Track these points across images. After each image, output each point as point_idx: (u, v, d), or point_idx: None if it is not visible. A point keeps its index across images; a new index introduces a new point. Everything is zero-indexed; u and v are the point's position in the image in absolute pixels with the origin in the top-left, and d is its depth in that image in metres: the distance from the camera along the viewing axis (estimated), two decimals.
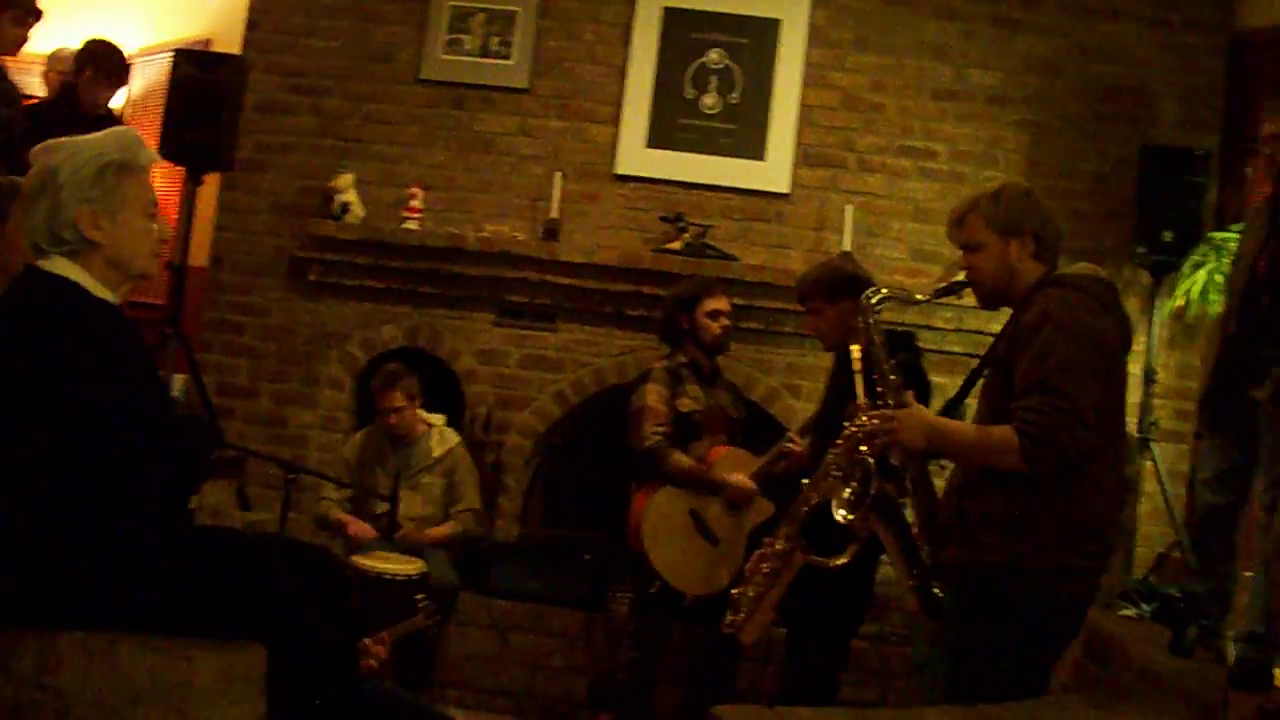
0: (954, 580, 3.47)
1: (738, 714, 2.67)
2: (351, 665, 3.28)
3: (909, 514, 3.72)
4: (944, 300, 4.29)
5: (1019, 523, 3.25)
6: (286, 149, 7.01)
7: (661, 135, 6.91)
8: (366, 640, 3.91)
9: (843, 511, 3.61)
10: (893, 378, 3.69)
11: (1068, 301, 3.29)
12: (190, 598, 2.92)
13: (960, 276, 3.64)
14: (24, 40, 5.54)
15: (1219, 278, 6.04)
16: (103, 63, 6.15)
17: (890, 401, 3.63)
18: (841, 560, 3.89)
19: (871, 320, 3.80)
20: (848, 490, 3.63)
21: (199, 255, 6.90)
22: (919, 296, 4.16)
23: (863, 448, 3.69)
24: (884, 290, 3.96)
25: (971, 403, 3.72)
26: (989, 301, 3.59)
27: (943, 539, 3.50)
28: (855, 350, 3.84)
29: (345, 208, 6.76)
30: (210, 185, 6.78)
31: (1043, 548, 3.23)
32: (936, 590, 3.57)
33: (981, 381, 3.60)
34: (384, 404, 6.04)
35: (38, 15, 5.50)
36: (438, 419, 6.21)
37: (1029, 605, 3.27)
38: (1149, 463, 6.19)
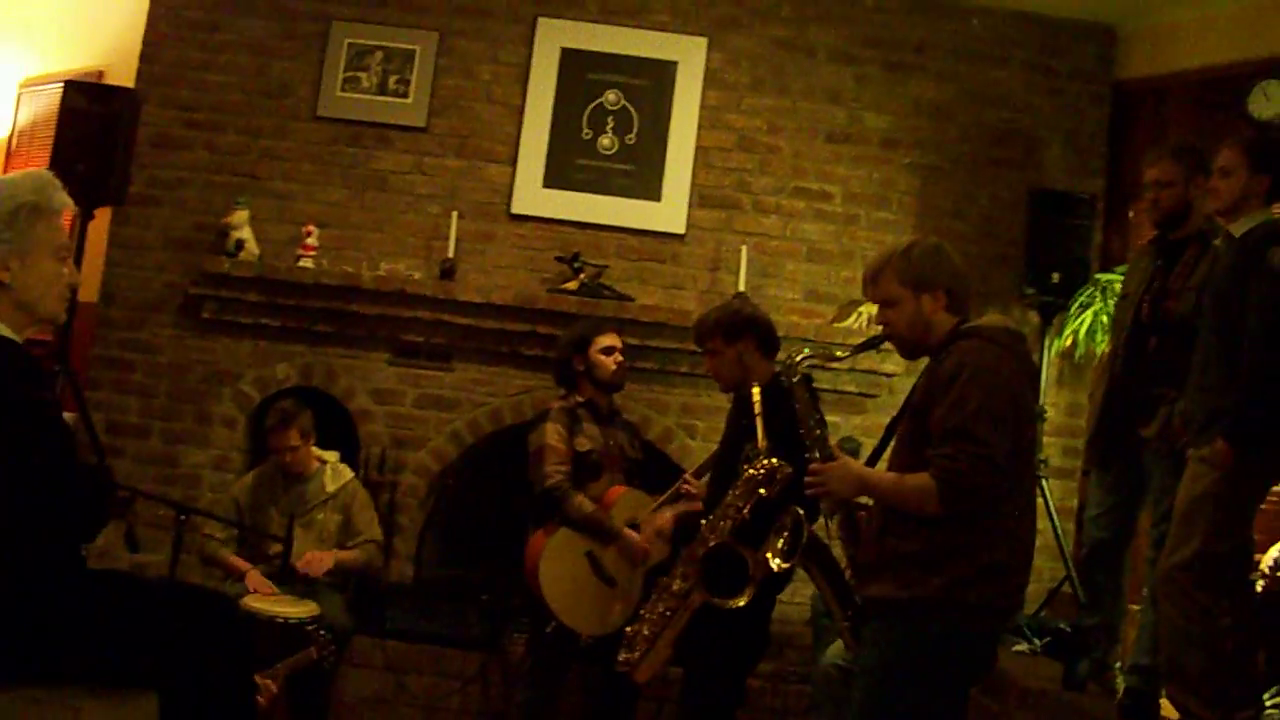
0: (876, 615, 3.56)
1: None
2: (245, 708, 3.23)
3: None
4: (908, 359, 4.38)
5: (934, 561, 3.37)
6: (180, 184, 6.92)
7: (558, 175, 6.94)
8: (257, 676, 3.86)
9: (778, 560, 3.71)
10: (818, 432, 3.81)
11: (981, 352, 3.43)
12: (81, 645, 2.85)
13: (877, 331, 3.76)
14: None
15: (1105, 318, 6.18)
16: None
17: (819, 454, 3.74)
18: (740, 601, 3.94)
19: (796, 379, 3.89)
20: (780, 540, 3.73)
21: (88, 291, 6.77)
22: (840, 354, 4.30)
23: (763, 490, 3.78)
24: (807, 350, 4.07)
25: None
26: (909, 352, 3.73)
27: (866, 578, 3.59)
28: (755, 392, 3.91)
29: (240, 245, 6.68)
30: (101, 220, 6.67)
31: (955, 584, 3.34)
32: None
33: (899, 430, 3.68)
34: (278, 443, 5.95)
35: None
36: (331, 455, 6.13)
37: (941, 638, 3.39)
38: (1039, 499, 6.27)
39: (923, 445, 3.42)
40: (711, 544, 4.04)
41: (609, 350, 5.71)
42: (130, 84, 6.87)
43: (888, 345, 3.81)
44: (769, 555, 3.77)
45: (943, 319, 3.57)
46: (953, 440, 3.32)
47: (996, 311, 6.62)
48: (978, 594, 3.35)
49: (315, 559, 5.80)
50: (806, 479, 3.68)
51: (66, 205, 3.13)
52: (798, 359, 3.95)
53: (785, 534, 3.73)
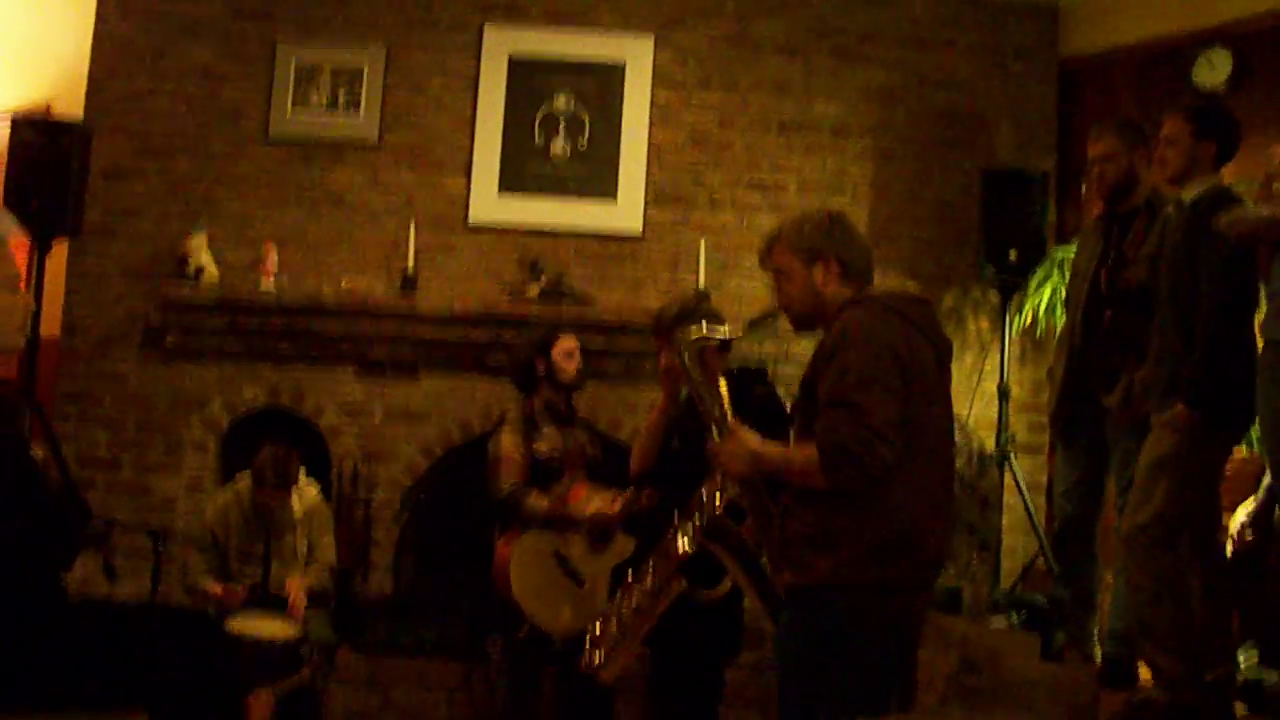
0: (785, 601, 3.47)
1: None
2: None
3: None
4: (802, 333, 4.31)
5: (830, 539, 3.26)
6: (136, 213, 6.91)
7: (513, 182, 6.96)
8: (249, 699, 3.89)
9: (685, 540, 3.66)
10: (717, 411, 3.65)
11: (864, 319, 3.32)
12: (69, 671, 2.87)
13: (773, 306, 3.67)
14: None
15: (1063, 292, 6.22)
16: None
17: (718, 434, 3.60)
18: (720, 592, 3.95)
19: (687, 356, 3.81)
20: (690, 526, 3.68)
21: (50, 325, 6.74)
22: (724, 330, 4.15)
23: (718, 492, 3.75)
24: (697, 329, 3.99)
25: None
26: (800, 325, 3.58)
27: (773, 564, 3.50)
28: (722, 384, 3.85)
29: (199, 270, 6.67)
30: (59, 253, 6.65)
31: (852, 562, 3.22)
32: None
33: (796, 405, 3.60)
34: (270, 499, 5.91)
35: None
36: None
37: (843, 620, 3.27)
38: (1009, 476, 6.32)
39: (814, 418, 3.29)
40: (678, 555, 4.00)
41: (569, 353, 5.74)
42: (79, 115, 6.86)
43: None
44: (681, 536, 3.71)
45: (836, 290, 3.43)
46: (833, 410, 3.20)
47: (955, 291, 6.72)
48: (874, 573, 3.23)
49: (296, 599, 5.78)
50: (709, 459, 3.57)
51: (12, 232, 3.12)
52: (692, 338, 3.88)
53: (697, 516, 3.65)
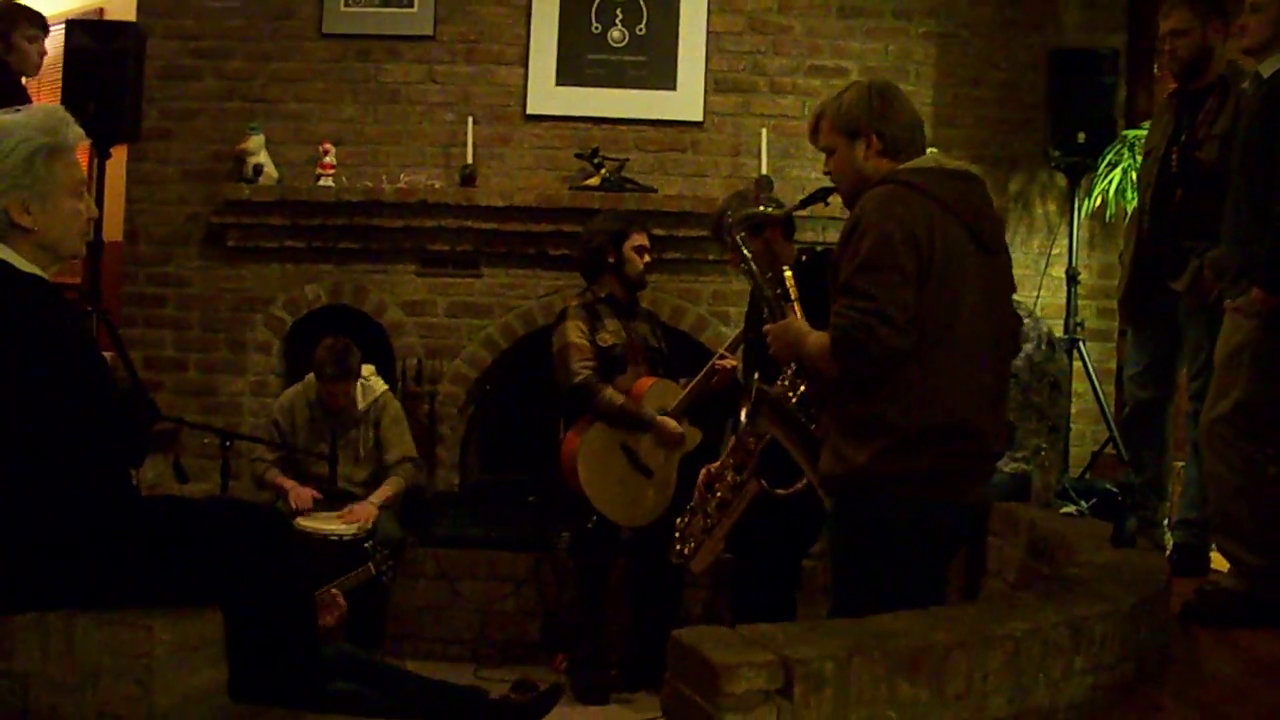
0: (827, 492, 3.47)
1: (700, 635, 2.67)
2: (309, 624, 3.28)
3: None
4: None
5: (862, 429, 3.22)
6: (193, 115, 6.90)
7: (571, 72, 6.87)
8: (321, 594, 3.94)
9: (744, 419, 3.75)
10: (771, 292, 3.65)
11: (883, 199, 3.22)
12: (142, 568, 2.90)
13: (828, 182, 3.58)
14: (43, 55, 5.61)
15: (1134, 175, 6.09)
16: (28, 14, 5.71)
17: (773, 316, 3.60)
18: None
19: (740, 237, 3.77)
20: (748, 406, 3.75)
21: (113, 230, 6.79)
22: (771, 210, 4.13)
23: (786, 371, 3.73)
24: (745, 210, 3.94)
25: None
26: (849, 203, 3.45)
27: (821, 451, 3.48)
28: (788, 275, 3.80)
29: (258, 170, 6.67)
30: (118, 157, 6.67)
31: (880, 455, 3.19)
32: None
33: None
34: (335, 391, 5.94)
35: (45, 29, 5.55)
36: (366, 369, 6.14)
37: (882, 511, 3.25)
38: (1078, 362, 6.25)
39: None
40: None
41: (641, 249, 5.73)
42: (131, 18, 6.83)
43: None
44: (742, 413, 3.75)
45: (877, 165, 3.33)
46: (842, 295, 3.14)
47: (1021, 176, 6.59)
48: (910, 463, 3.18)
49: (363, 512, 5.82)
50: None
51: (80, 139, 3.11)
52: (735, 219, 3.82)
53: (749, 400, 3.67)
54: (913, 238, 3.14)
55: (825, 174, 3.53)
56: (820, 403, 3.52)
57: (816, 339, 3.29)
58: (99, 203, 6.32)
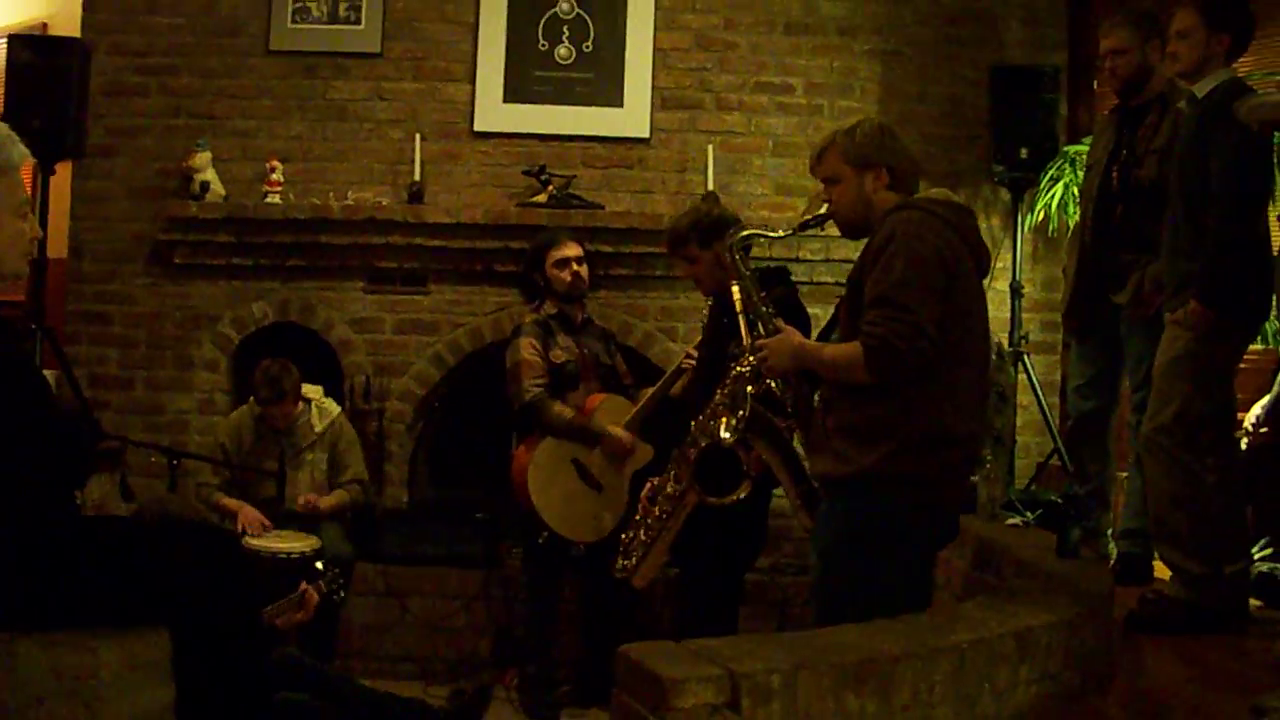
0: (824, 492, 3.63)
1: (647, 650, 2.69)
2: (255, 643, 3.27)
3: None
4: (809, 233, 4.38)
5: (869, 433, 3.38)
6: (139, 131, 6.85)
7: (518, 89, 6.87)
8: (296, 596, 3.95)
9: (727, 435, 3.79)
10: (765, 309, 3.83)
11: (911, 221, 3.41)
12: (86, 589, 2.87)
13: (822, 210, 3.73)
14: None
15: (1075, 190, 6.17)
16: None
17: (764, 331, 3.77)
18: (736, 498, 4.00)
19: (738, 257, 3.90)
20: (733, 419, 3.81)
21: (57, 247, 6.73)
22: (781, 232, 4.29)
23: (749, 388, 3.81)
24: (747, 229, 4.09)
25: None
26: (850, 232, 3.70)
27: (813, 455, 3.66)
28: (736, 291, 3.91)
29: (205, 187, 6.63)
30: (62, 174, 6.61)
31: (892, 455, 3.34)
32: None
33: (842, 304, 3.71)
34: (275, 413, 5.94)
35: None
36: (314, 391, 6.13)
37: (885, 513, 3.40)
38: (1022, 375, 6.31)
39: (859, 318, 3.41)
40: (704, 445, 4.07)
41: (563, 263, 5.72)
42: (76, 34, 6.77)
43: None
44: (722, 423, 3.84)
45: (885, 197, 3.54)
46: (878, 307, 3.32)
47: (965, 191, 6.65)
48: (915, 466, 3.36)
49: (309, 499, 5.84)
50: (753, 355, 3.73)
51: (25, 158, 3.08)
52: (738, 237, 3.97)
53: (740, 412, 3.80)
54: (940, 257, 3.37)
55: (825, 201, 3.69)
56: (805, 413, 3.69)
57: (837, 349, 3.51)
58: (43, 220, 6.30)
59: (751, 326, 3.85)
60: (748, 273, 3.91)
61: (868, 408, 3.39)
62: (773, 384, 3.80)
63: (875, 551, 3.42)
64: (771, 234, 4.32)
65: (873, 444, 3.37)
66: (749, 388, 3.84)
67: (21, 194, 3.06)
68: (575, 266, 5.74)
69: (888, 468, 3.35)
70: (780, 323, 3.77)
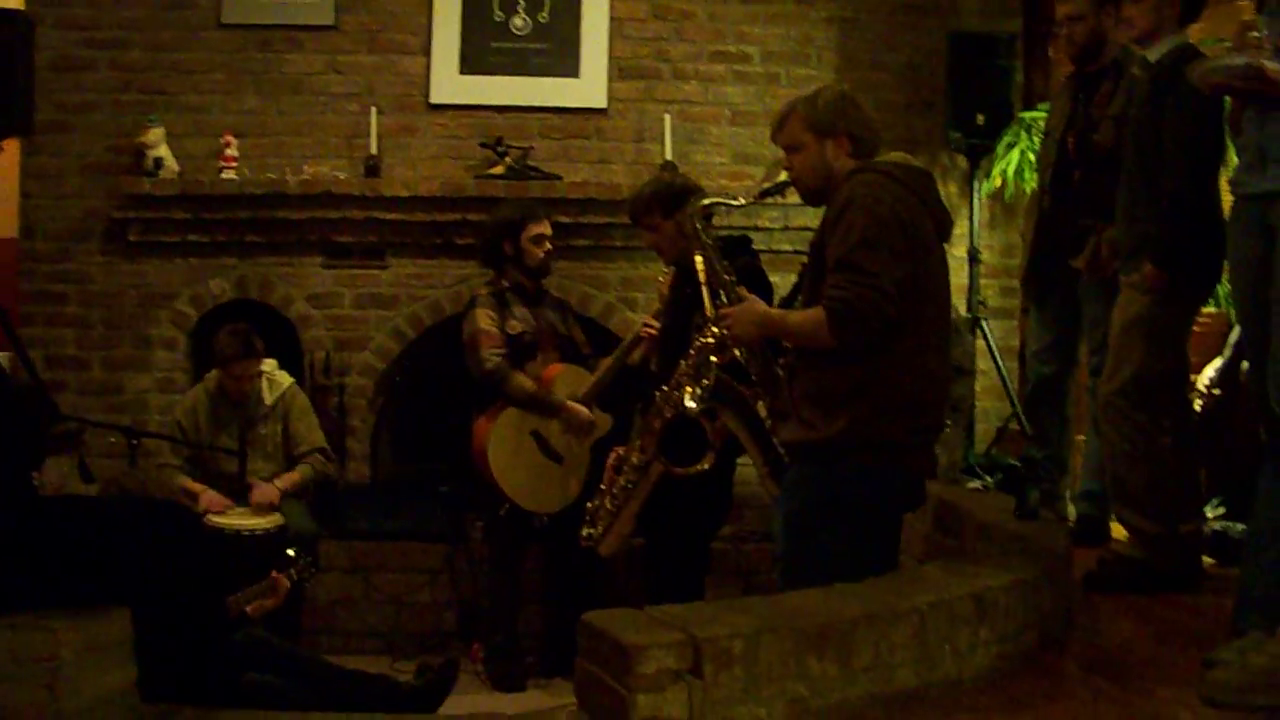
0: (791, 459, 3.65)
1: (609, 618, 2.72)
2: (219, 621, 3.26)
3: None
4: (769, 201, 4.38)
5: (835, 399, 3.39)
6: (89, 107, 6.75)
7: (474, 61, 6.84)
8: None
9: (692, 404, 3.85)
10: (728, 277, 3.84)
11: (869, 184, 3.43)
12: (47, 570, 2.86)
13: (783, 177, 3.75)
14: None
15: (1032, 156, 6.20)
16: None
17: (727, 299, 3.79)
18: (701, 467, 4.02)
19: (700, 225, 3.91)
20: (698, 388, 3.87)
21: (8, 226, 6.66)
22: (742, 200, 4.28)
23: (714, 357, 3.83)
24: (709, 198, 4.10)
25: None
26: (811, 199, 3.71)
27: (780, 423, 3.67)
28: (699, 260, 3.92)
29: (158, 163, 6.56)
30: (11, 151, 6.51)
31: (858, 421, 3.36)
32: None
33: (806, 270, 3.72)
34: (242, 372, 5.89)
35: None
36: (268, 364, 6.10)
37: (852, 478, 3.41)
38: (980, 341, 6.34)
39: (822, 282, 3.42)
40: (668, 415, 4.08)
41: (539, 239, 5.74)
42: (19, 6, 6.65)
43: None
44: (686, 392, 3.89)
45: (845, 164, 3.54)
46: (839, 271, 3.33)
47: (922, 158, 6.66)
48: (882, 431, 3.38)
49: (263, 494, 5.80)
50: (717, 324, 3.75)
51: None
52: (700, 205, 3.98)
53: (704, 381, 3.84)
54: (900, 221, 3.38)
55: (785, 169, 3.69)
56: (770, 381, 3.70)
57: (800, 315, 3.52)
58: None
59: (714, 295, 3.87)
60: (710, 242, 3.92)
61: (833, 374, 3.40)
62: (737, 352, 3.82)
63: (842, 518, 3.44)
64: (733, 202, 4.31)
65: (839, 410, 3.38)
66: (713, 357, 3.86)
67: None
68: (548, 244, 5.76)
69: (854, 434, 3.37)
70: (744, 291, 3.79)
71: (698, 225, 3.94)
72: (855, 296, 3.28)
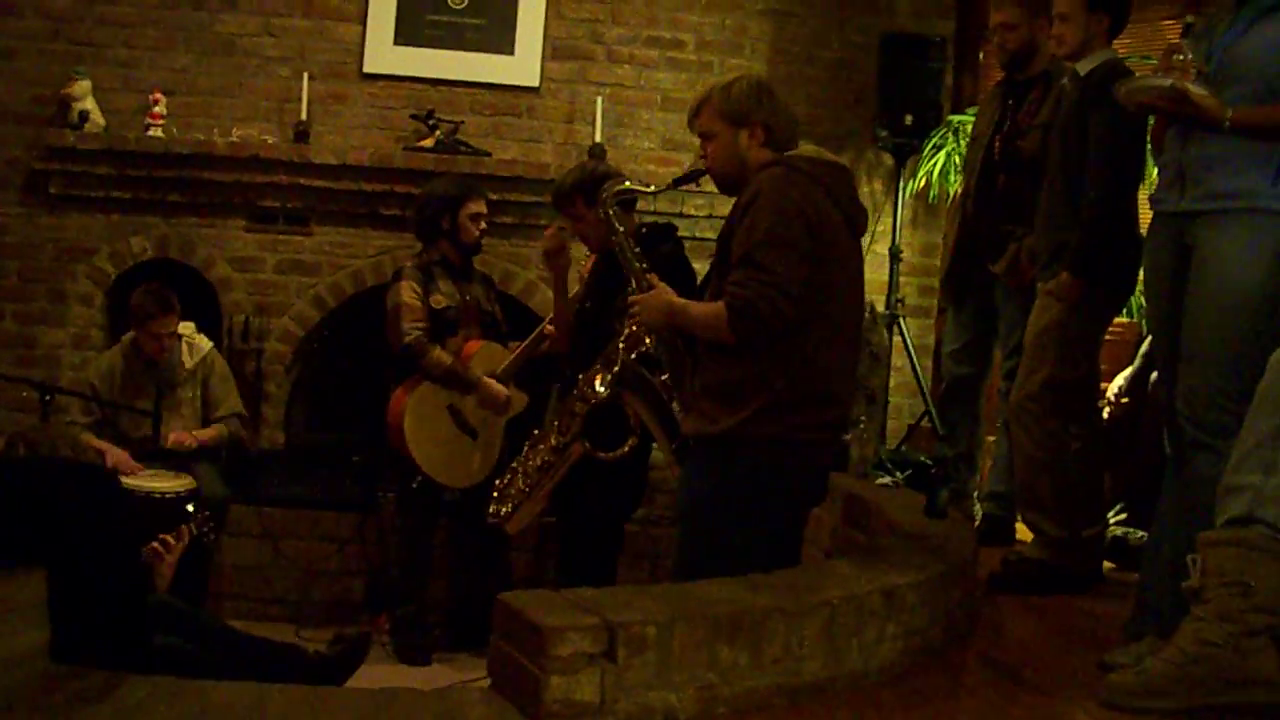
0: (690, 451, 3.62)
1: (526, 599, 2.73)
2: (133, 583, 3.25)
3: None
4: (690, 189, 4.39)
5: (733, 393, 3.38)
6: (12, 54, 6.64)
7: (409, 32, 6.82)
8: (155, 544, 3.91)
9: (601, 389, 3.89)
10: (639, 265, 3.82)
11: (776, 178, 3.40)
12: None
13: (699, 165, 3.72)
14: None
15: (957, 159, 6.30)
16: None
17: (638, 287, 3.77)
18: (621, 452, 4.06)
19: (612, 212, 3.91)
20: (608, 374, 3.91)
21: None
22: (653, 187, 4.29)
23: (621, 344, 3.85)
24: (624, 183, 4.10)
25: None
26: (726, 188, 3.66)
27: (684, 413, 3.68)
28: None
29: (84, 116, 6.48)
30: None
31: (757, 415, 3.35)
32: None
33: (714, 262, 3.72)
34: (159, 329, 5.84)
35: None
36: (187, 327, 6.06)
37: (748, 473, 3.41)
38: (897, 338, 6.43)
39: (728, 275, 3.40)
40: (592, 400, 4.10)
41: (476, 217, 5.75)
42: None
43: None
44: (596, 380, 3.94)
45: (758, 155, 3.50)
46: (740, 267, 3.32)
47: (849, 155, 6.75)
48: (779, 427, 3.36)
49: (179, 436, 5.78)
50: (629, 310, 3.74)
51: None
52: (613, 190, 3.96)
53: (613, 367, 3.87)
54: (805, 218, 3.34)
55: (701, 157, 3.67)
56: (678, 370, 3.71)
57: (703, 308, 3.49)
58: None
59: (625, 283, 3.87)
60: (621, 229, 3.91)
61: (733, 368, 3.39)
62: (647, 340, 3.85)
63: (736, 512, 3.43)
64: (646, 189, 4.29)
65: (737, 404, 3.37)
66: (621, 343, 3.89)
67: None
68: (484, 223, 5.78)
69: (751, 428, 3.36)
70: (654, 279, 3.75)
71: (610, 211, 3.93)
72: (755, 295, 3.26)
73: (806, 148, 3.59)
